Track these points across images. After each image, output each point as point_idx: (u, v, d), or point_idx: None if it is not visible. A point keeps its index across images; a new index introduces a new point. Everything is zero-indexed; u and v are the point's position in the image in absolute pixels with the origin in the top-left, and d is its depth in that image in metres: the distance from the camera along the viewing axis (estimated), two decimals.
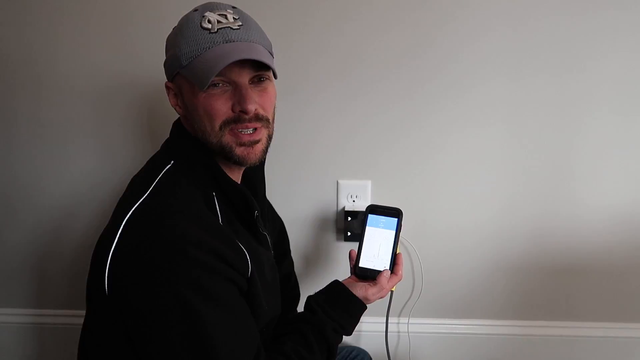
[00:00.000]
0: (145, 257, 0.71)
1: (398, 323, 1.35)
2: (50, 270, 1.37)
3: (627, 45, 1.18)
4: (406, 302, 1.34)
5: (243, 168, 0.88)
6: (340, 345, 1.27)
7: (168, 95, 0.84)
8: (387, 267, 0.95)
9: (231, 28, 0.77)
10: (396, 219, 0.99)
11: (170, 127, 0.88)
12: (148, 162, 0.86)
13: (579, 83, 1.20)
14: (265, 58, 0.77)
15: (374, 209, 1.01)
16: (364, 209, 1.24)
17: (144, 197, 0.76)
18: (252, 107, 0.78)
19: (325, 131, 1.24)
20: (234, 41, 0.77)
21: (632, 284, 1.31)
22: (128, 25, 1.21)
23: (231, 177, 0.84)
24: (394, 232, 0.98)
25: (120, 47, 1.22)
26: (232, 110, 0.78)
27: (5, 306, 1.40)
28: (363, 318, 1.33)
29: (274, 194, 1.13)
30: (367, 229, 0.99)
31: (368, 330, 1.33)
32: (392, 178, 1.27)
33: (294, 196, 1.28)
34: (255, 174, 0.97)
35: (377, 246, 0.98)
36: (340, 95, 1.23)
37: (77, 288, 1.25)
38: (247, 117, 0.78)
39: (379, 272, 0.94)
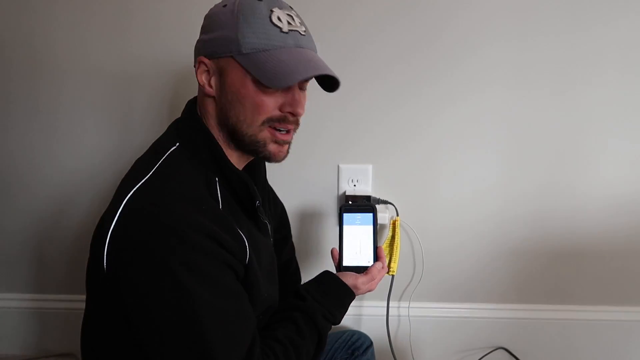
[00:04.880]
0: (141, 237, 0.71)
1: (399, 307, 1.35)
2: (51, 255, 1.37)
3: (630, 34, 1.16)
4: (407, 286, 1.34)
5: (251, 157, 0.87)
6: (341, 329, 1.29)
7: (197, 70, 0.81)
8: (371, 262, 0.96)
9: (300, 33, 0.79)
10: (371, 214, 0.99)
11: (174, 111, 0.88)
12: (153, 144, 0.85)
13: (581, 70, 1.19)
14: (336, 75, 0.81)
15: (348, 208, 1.01)
16: (365, 193, 1.25)
17: (146, 178, 0.76)
18: (302, 112, 0.81)
19: (326, 115, 1.23)
20: (303, 47, 0.79)
21: (632, 267, 1.31)
22: (131, 17, 1.20)
23: (235, 164, 0.84)
24: (371, 227, 0.99)
25: (120, 37, 1.21)
26: (280, 109, 0.80)
27: (6, 291, 1.41)
28: (364, 302, 1.36)
29: (274, 178, 1.13)
30: (345, 227, 0.99)
31: (369, 314, 1.34)
32: (393, 162, 1.26)
33: (295, 180, 1.27)
34: (259, 162, 0.96)
35: (357, 243, 0.98)
36: (342, 79, 1.22)
37: (78, 272, 1.25)
38: (292, 119, 0.81)
39: (364, 267, 0.95)
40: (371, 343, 1.22)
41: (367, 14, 1.17)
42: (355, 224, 0.99)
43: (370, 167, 1.26)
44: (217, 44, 0.79)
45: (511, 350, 1.36)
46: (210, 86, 0.81)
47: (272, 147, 0.82)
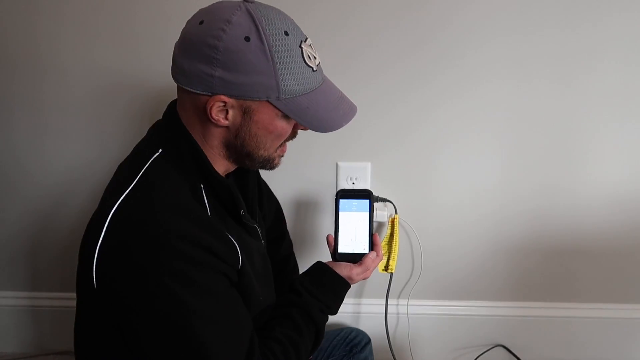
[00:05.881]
0: (130, 251, 0.70)
1: (397, 305, 1.35)
2: (48, 252, 1.37)
3: (631, 30, 1.16)
4: (406, 284, 1.34)
5: (239, 165, 0.87)
6: (339, 326, 1.29)
7: (212, 107, 0.74)
8: (367, 249, 0.96)
9: (319, 64, 0.80)
10: (368, 200, 0.99)
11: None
12: (135, 148, 0.84)
13: (580, 68, 1.18)
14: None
15: (344, 194, 1.00)
16: None
17: (130, 188, 0.74)
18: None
19: None
20: (324, 79, 0.82)
21: (631, 265, 1.31)
22: (133, 23, 1.19)
23: (222, 170, 0.83)
24: (367, 214, 0.98)
25: (123, 42, 1.20)
26: (292, 129, 0.82)
27: (3, 289, 1.40)
28: (363, 300, 1.36)
29: (272, 176, 1.12)
30: (341, 214, 0.99)
31: (368, 312, 1.34)
32: (392, 160, 1.26)
33: (293, 178, 1.27)
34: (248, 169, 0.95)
35: (353, 230, 0.98)
36: (340, 77, 1.21)
37: (73, 271, 1.25)
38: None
39: (360, 255, 0.95)
40: (369, 340, 1.22)
41: (364, 12, 1.16)
42: (351, 210, 0.99)
43: (369, 164, 1.26)
44: (250, 89, 0.73)
45: (510, 348, 1.36)
46: (226, 119, 0.77)
47: (278, 160, 0.86)
